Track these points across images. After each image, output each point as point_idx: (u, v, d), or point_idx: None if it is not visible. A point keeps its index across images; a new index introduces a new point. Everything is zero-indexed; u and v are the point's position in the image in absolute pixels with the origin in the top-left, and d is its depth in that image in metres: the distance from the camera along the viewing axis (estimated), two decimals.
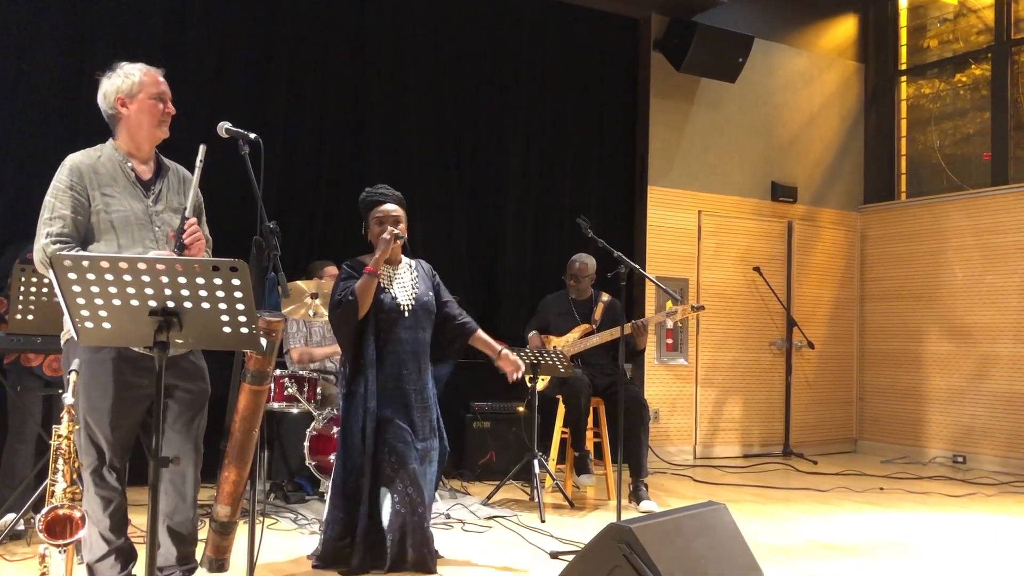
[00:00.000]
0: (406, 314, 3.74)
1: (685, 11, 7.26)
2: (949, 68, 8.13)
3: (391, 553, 3.56)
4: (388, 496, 3.58)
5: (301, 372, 4.96)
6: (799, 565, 3.95)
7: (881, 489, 6.12)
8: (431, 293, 3.88)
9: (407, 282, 3.83)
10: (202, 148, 2.86)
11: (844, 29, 8.51)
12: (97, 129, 4.92)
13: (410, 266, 3.91)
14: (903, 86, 8.47)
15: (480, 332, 3.98)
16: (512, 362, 3.90)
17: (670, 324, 7.21)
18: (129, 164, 2.96)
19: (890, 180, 8.44)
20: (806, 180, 8.23)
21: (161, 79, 3.01)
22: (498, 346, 3.96)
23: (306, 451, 4.74)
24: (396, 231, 3.71)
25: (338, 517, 3.68)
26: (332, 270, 5.29)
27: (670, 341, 7.38)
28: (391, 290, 3.76)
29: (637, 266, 4.38)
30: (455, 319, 3.94)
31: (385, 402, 3.67)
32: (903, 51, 8.48)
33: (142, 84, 2.95)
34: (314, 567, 3.69)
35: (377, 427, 3.63)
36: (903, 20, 8.47)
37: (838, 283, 8.33)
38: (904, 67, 8.46)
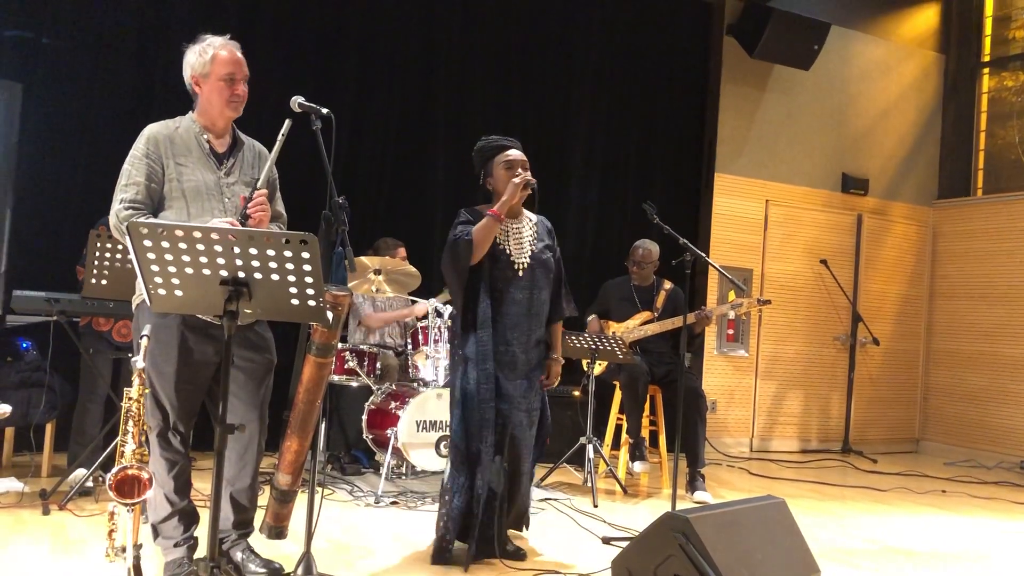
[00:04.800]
0: (520, 273, 3.48)
1: None
2: None
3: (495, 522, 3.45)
4: (498, 465, 3.42)
5: (362, 346, 5.02)
6: (856, 563, 3.87)
7: (943, 492, 5.97)
8: (549, 252, 3.62)
9: (525, 238, 3.55)
10: (287, 123, 2.85)
11: (925, 18, 8.25)
12: (172, 101, 5.05)
13: (531, 221, 3.63)
14: (985, 78, 8.19)
15: (558, 326, 3.71)
16: (552, 374, 3.64)
17: (732, 315, 7.12)
18: (205, 136, 3.00)
19: (966, 175, 8.18)
20: (878, 173, 8.02)
21: (236, 57, 2.99)
22: (557, 352, 3.68)
23: (364, 425, 4.82)
24: (529, 177, 3.44)
25: (463, 484, 3.43)
26: (404, 252, 5.39)
27: (731, 332, 7.29)
28: (507, 246, 3.49)
29: (703, 254, 4.32)
30: (552, 300, 3.67)
31: (496, 365, 3.43)
32: (987, 42, 8.19)
33: (214, 64, 2.96)
34: (443, 543, 3.46)
35: (494, 391, 3.42)
36: (988, 9, 8.17)
37: (907, 279, 8.12)
38: (987, 59, 8.17)
